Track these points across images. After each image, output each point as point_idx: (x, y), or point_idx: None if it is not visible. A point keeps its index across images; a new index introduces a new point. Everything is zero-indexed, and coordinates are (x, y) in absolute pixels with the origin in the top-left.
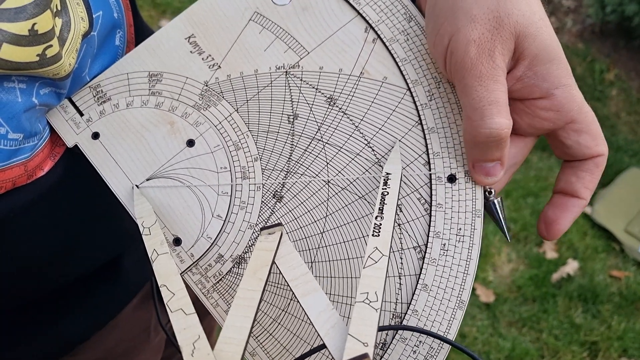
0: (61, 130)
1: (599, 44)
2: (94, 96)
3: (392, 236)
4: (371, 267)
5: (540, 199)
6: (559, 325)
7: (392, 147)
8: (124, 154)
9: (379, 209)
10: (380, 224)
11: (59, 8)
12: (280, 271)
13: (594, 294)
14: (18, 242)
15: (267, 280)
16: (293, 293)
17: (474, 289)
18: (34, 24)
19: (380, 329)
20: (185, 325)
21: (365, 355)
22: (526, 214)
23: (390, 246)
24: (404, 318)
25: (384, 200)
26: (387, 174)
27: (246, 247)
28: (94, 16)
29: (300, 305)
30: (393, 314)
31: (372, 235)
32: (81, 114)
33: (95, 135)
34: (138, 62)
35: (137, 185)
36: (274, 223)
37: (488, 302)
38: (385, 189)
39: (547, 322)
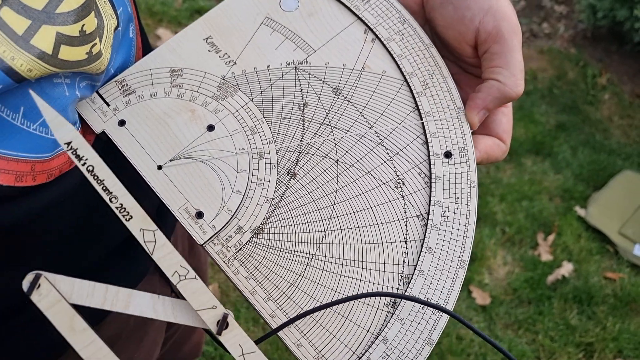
0: (89, 119)
1: (591, 49)
2: (120, 89)
3: None
4: None
5: (534, 202)
6: (554, 327)
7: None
8: (148, 139)
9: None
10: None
11: (94, 9)
12: None
13: (589, 296)
14: (63, 222)
15: None
16: None
17: (469, 292)
18: (83, 25)
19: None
20: None
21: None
22: (521, 217)
23: None
24: (411, 279)
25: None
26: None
27: (264, 219)
28: (117, 12)
29: None
30: (401, 276)
31: None
32: (108, 104)
33: (122, 123)
34: (160, 59)
35: (160, 166)
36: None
37: (484, 305)
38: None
39: (542, 324)
